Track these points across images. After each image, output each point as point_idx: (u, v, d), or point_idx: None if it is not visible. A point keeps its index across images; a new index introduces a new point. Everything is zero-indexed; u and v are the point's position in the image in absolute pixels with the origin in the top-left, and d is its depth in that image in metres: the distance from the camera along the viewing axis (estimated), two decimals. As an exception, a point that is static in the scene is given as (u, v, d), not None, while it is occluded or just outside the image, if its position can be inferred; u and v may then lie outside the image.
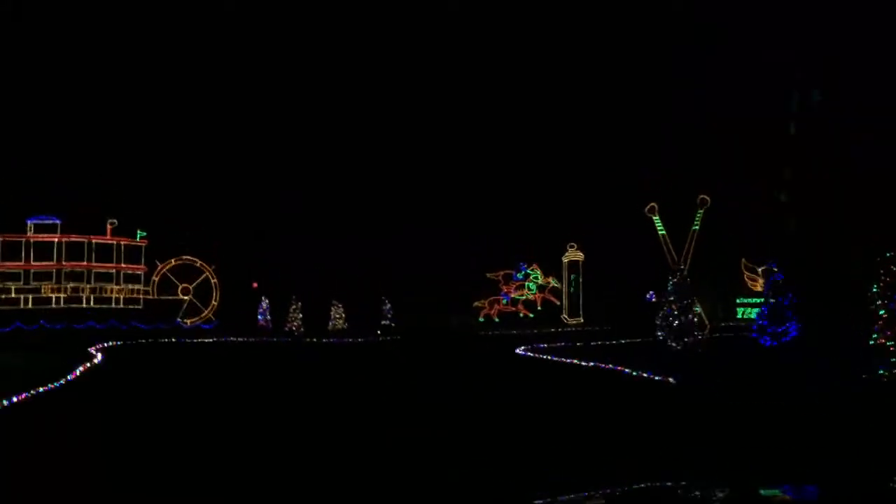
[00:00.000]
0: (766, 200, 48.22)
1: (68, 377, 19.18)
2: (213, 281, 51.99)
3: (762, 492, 3.95)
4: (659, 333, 26.79)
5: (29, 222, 47.02)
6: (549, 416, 13.77)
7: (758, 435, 11.40)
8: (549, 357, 26.89)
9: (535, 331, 47.22)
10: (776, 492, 4.01)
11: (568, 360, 24.99)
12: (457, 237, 49.99)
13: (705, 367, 22.35)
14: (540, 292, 55.61)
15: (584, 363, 23.64)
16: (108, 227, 48.67)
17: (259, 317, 49.94)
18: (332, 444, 11.13)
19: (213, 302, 52.03)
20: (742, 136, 45.99)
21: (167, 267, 51.40)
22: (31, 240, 46.80)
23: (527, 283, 55.65)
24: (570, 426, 12.61)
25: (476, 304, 54.84)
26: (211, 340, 42.10)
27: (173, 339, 42.06)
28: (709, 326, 34.91)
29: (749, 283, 51.99)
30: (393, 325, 49.70)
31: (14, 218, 46.49)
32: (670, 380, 18.26)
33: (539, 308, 55.44)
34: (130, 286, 49.31)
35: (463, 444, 10.92)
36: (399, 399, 16.62)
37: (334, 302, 50.27)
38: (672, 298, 25.89)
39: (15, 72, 47.81)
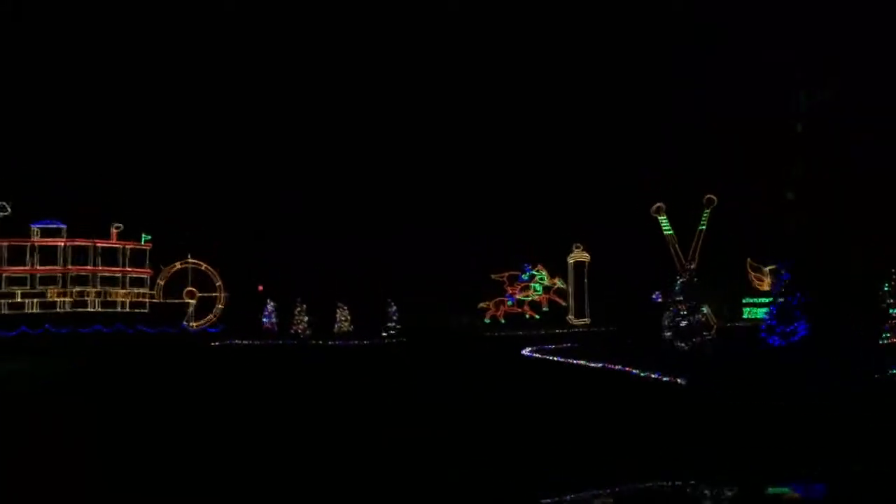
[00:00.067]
0: (771, 200, 48.03)
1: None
2: (218, 284, 51.92)
3: (769, 490, 3.91)
4: (667, 334, 26.63)
5: (34, 227, 47.04)
6: (559, 417, 13.66)
7: (768, 435, 11.27)
8: (555, 358, 26.78)
9: (542, 332, 47.12)
10: (784, 490, 3.97)
11: (575, 362, 24.89)
12: (462, 239, 49.85)
13: (714, 367, 22.20)
14: (545, 293, 55.42)
15: (591, 364, 23.52)
16: (113, 231, 48.67)
17: (265, 319, 49.89)
18: (344, 446, 11.03)
19: (219, 305, 51.95)
20: (746, 136, 45.82)
21: (173, 270, 51.34)
22: (37, 244, 46.82)
23: (532, 284, 55.43)
24: (579, 427, 12.49)
25: (481, 305, 54.67)
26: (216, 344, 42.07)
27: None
28: (715, 326, 34.78)
29: (755, 282, 51.73)
30: (399, 326, 49.60)
31: (19, 223, 46.54)
32: (679, 381, 18.12)
33: (545, 309, 55.23)
34: (136, 290, 49.31)
35: (472, 445, 10.81)
36: (407, 401, 16.52)
37: (339, 304, 50.17)
38: (680, 299, 25.74)
39: (19, 76, 47.88)
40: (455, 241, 49.70)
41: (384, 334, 47.75)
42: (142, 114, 50.17)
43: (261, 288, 51.99)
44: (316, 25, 52.49)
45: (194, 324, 51.01)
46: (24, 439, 12.13)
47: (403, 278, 50.06)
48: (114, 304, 48.00)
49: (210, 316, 51.51)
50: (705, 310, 29.32)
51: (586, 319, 54.12)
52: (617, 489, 4.19)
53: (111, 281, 48.26)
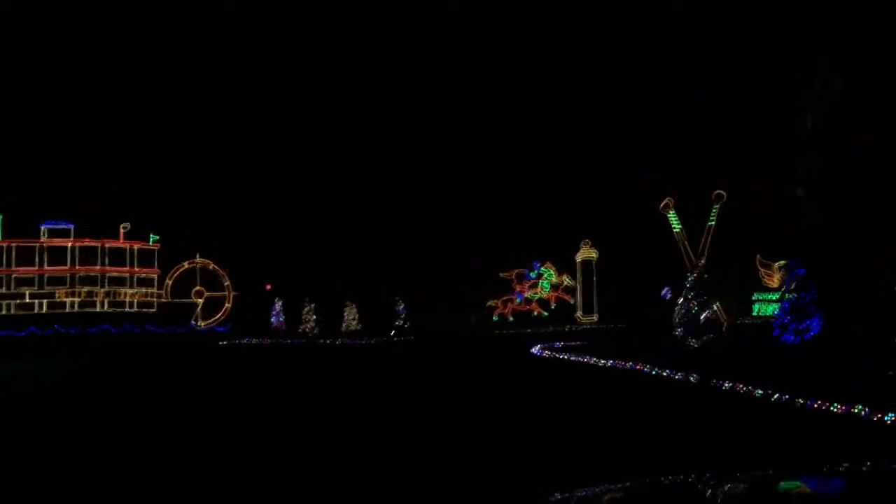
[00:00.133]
0: (780, 195, 47.78)
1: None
2: (226, 283, 51.93)
3: (783, 484, 3.83)
4: (677, 331, 26.44)
5: (42, 227, 47.16)
6: (572, 414, 13.53)
7: (784, 433, 11.13)
8: (565, 356, 26.63)
9: (550, 329, 47.00)
10: (797, 483, 3.90)
11: (585, 359, 24.74)
12: (469, 237, 49.75)
13: (726, 364, 22.02)
14: (553, 291, 55.29)
15: (601, 362, 23.36)
16: (121, 230, 48.77)
17: (273, 318, 49.90)
18: (356, 447, 10.94)
19: (227, 304, 51.97)
20: (753, 132, 45.61)
21: (180, 270, 51.38)
22: (45, 245, 46.94)
23: (540, 282, 55.32)
24: (592, 426, 12.36)
25: (489, 303, 54.58)
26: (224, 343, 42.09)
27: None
28: (726, 323, 34.55)
29: (764, 279, 51.43)
30: (407, 325, 49.54)
31: (27, 223, 46.66)
32: (691, 378, 17.97)
33: (553, 307, 55.12)
34: (144, 290, 49.39)
35: (485, 444, 10.71)
36: (418, 400, 16.43)
37: (347, 303, 50.13)
38: (691, 295, 25.55)
39: (27, 77, 47.97)
40: (462, 240, 49.62)
41: (392, 333, 47.68)
42: (147, 114, 50.24)
43: (269, 287, 52.01)
44: (316, 25, 52.48)
45: (202, 323, 51.07)
46: (28, 439, 12.07)
47: (410, 277, 50.01)
48: (122, 304, 48.11)
49: (218, 315, 51.56)
50: (716, 306, 29.10)
51: (594, 317, 54.00)
52: (629, 484, 4.10)
53: (119, 281, 48.37)
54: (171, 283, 51.06)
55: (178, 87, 50.84)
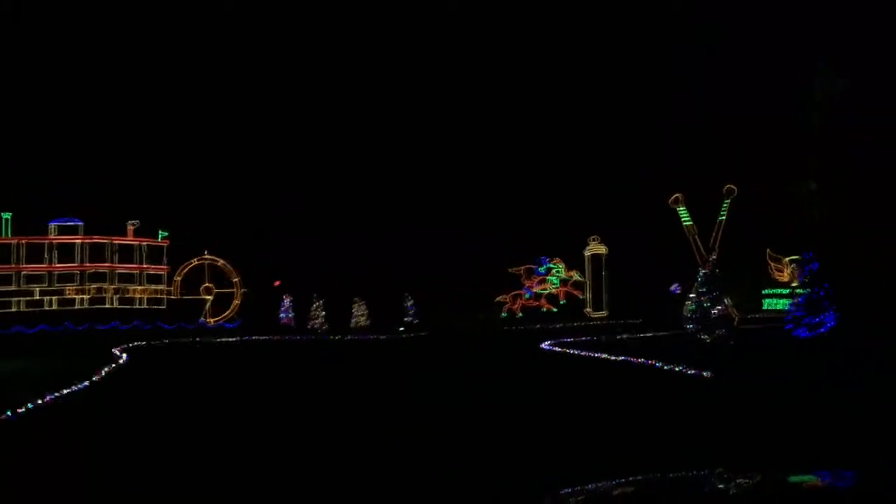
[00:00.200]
0: (791, 190, 47.59)
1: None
2: (235, 279, 51.96)
3: (795, 478, 3.78)
4: (689, 326, 26.29)
5: (51, 224, 47.24)
6: (586, 411, 13.45)
7: (800, 428, 11.01)
8: (576, 352, 26.52)
9: (560, 325, 46.87)
10: (811, 478, 3.86)
11: (596, 355, 24.62)
12: (476, 232, 49.67)
13: (740, 359, 21.89)
14: (563, 286, 55.18)
15: (613, 357, 23.25)
16: (130, 227, 48.81)
17: (282, 315, 49.90)
18: (371, 445, 10.87)
19: (236, 301, 52.00)
20: (764, 127, 45.42)
21: (189, 267, 51.42)
22: (54, 242, 47.02)
23: (549, 278, 55.21)
24: (606, 422, 12.27)
25: (498, 298, 54.49)
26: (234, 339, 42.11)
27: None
28: (737, 318, 34.41)
29: (775, 273, 51.22)
30: (416, 321, 49.49)
31: (37, 220, 46.76)
32: (705, 374, 17.85)
33: (562, 302, 55.02)
34: (153, 286, 49.46)
35: (499, 440, 10.63)
36: (431, 397, 16.35)
37: (356, 299, 50.07)
38: (703, 290, 25.38)
39: (36, 76, 48.06)
40: (470, 235, 49.55)
41: (401, 329, 47.63)
42: (155, 112, 50.32)
43: (277, 283, 52.03)
44: (316, 25, 52.46)
45: (211, 320, 51.12)
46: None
47: (419, 273, 49.96)
48: (131, 300, 48.18)
49: (227, 312, 51.60)
50: (727, 301, 28.95)
51: (604, 312, 53.89)
52: (639, 478, 4.07)
53: (128, 278, 48.44)
54: (180, 279, 51.12)
55: (187, 85, 50.91)
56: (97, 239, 47.67)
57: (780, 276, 50.83)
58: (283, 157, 52.86)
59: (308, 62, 52.58)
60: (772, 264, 51.32)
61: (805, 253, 26.46)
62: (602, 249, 54.36)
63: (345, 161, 53.04)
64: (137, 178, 48.60)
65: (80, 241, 47.31)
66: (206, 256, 51.75)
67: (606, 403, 14.66)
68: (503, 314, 54.07)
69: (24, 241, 46.38)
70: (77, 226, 47.49)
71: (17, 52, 47.46)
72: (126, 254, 48.53)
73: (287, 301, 50.23)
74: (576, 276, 54.91)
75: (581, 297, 54.87)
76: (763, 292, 50.68)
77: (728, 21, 45.94)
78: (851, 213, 43.77)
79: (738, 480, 3.71)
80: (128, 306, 47.88)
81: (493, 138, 52.74)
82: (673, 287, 47.39)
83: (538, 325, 47.07)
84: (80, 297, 46.93)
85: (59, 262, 46.85)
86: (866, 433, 10.67)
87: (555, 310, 54.45)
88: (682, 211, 38.48)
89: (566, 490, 3.68)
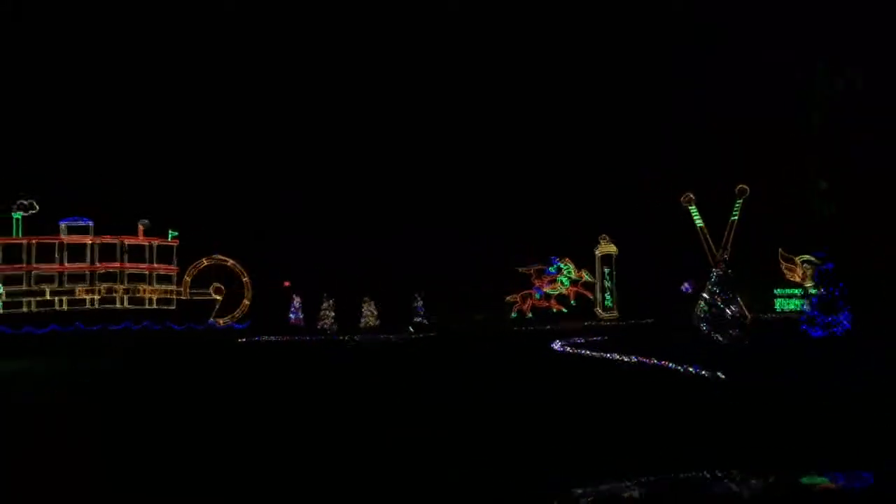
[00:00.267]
0: (803, 190, 47.24)
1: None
2: (244, 280, 51.96)
3: (804, 480, 3.66)
4: (702, 326, 26.05)
5: (62, 224, 47.32)
6: (599, 412, 13.28)
7: (816, 429, 10.82)
8: (587, 352, 26.33)
9: (570, 325, 46.68)
10: (821, 479, 3.74)
11: (608, 356, 24.42)
12: (488, 233, 49.56)
13: (754, 360, 21.65)
14: (573, 286, 54.97)
15: (625, 358, 23.04)
16: (140, 227, 48.84)
17: (291, 315, 49.88)
18: (381, 445, 10.74)
19: (245, 301, 52.01)
20: (776, 128, 45.14)
21: (199, 267, 51.45)
22: (65, 242, 47.10)
23: (559, 278, 55.01)
24: (620, 424, 12.10)
25: (508, 299, 54.32)
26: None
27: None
28: (750, 318, 34.14)
29: (787, 273, 50.86)
30: (425, 322, 49.37)
31: (47, 220, 46.87)
32: (720, 374, 17.63)
33: (572, 302, 54.81)
34: (163, 286, 49.48)
35: (512, 441, 10.48)
36: (441, 398, 16.21)
37: (366, 299, 50.01)
38: (716, 290, 25.15)
39: (46, 76, 48.20)
40: (479, 236, 49.44)
41: (411, 329, 47.52)
42: (164, 114, 50.46)
43: (287, 283, 52.02)
44: (316, 25, 52.45)
45: (221, 320, 51.14)
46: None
47: (428, 273, 49.87)
48: (141, 300, 48.21)
49: (237, 312, 51.62)
50: (740, 301, 28.71)
51: (614, 312, 53.67)
52: (651, 478, 3.97)
53: (138, 278, 48.47)
54: (189, 279, 51.15)
55: (200, 86, 51.02)
56: (107, 239, 47.73)
57: (792, 276, 50.45)
58: (292, 158, 52.90)
59: (315, 64, 52.60)
60: (784, 264, 50.94)
61: (818, 252, 26.21)
62: (612, 249, 54.14)
63: (356, 162, 53.04)
64: (147, 178, 48.70)
65: (90, 240, 47.38)
66: (216, 256, 51.78)
67: (621, 407, 14.49)
68: (513, 314, 53.92)
69: (34, 241, 46.49)
70: (87, 226, 47.55)
71: (31, 53, 47.63)
72: (136, 254, 48.55)
73: (297, 301, 50.20)
74: (586, 276, 54.70)
75: (591, 298, 54.66)
76: (775, 292, 50.30)
77: (728, 21, 45.69)
78: (863, 212, 43.42)
79: (741, 482, 3.65)
80: (138, 306, 47.91)
81: (503, 139, 52.64)
82: (684, 286, 47.10)
83: (548, 326, 46.89)
84: (91, 297, 46.99)
85: (69, 262, 46.93)
86: (873, 434, 10.47)
87: (565, 310, 54.26)
88: (693, 210, 38.24)
89: (576, 490, 3.61)
